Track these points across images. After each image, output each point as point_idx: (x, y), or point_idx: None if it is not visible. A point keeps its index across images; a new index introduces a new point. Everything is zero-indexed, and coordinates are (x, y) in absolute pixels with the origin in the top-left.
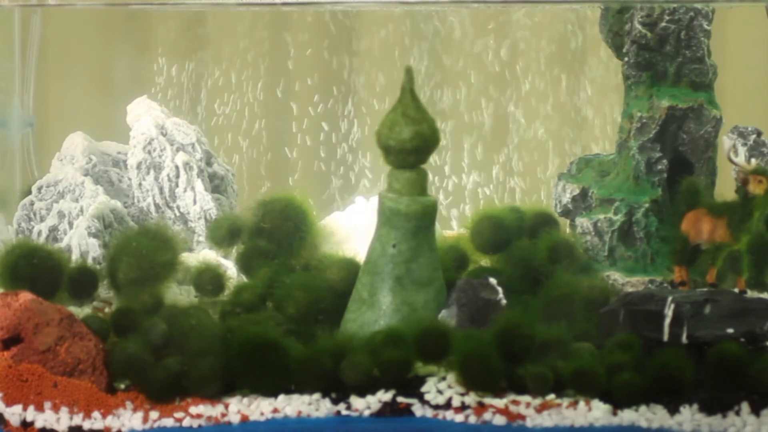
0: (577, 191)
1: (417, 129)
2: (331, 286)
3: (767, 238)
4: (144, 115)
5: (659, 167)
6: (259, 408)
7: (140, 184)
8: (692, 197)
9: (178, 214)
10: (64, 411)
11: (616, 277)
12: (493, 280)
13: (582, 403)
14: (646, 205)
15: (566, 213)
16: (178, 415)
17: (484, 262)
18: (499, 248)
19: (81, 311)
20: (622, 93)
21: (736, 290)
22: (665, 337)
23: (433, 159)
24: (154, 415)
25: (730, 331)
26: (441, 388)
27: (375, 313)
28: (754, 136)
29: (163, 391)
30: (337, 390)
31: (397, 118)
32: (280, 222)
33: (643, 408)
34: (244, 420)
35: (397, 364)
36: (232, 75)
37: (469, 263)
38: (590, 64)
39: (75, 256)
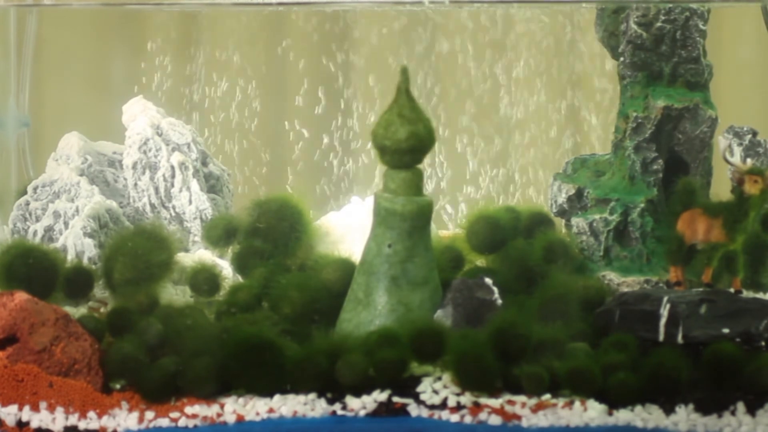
0: (572, 191)
1: (413, 129)
2: (327, 286)
3: (763, 239)
4: (140, 115)
5: (655, 167)
6: (255, 408)
7: (136, 184)
8: (688, 197)
9: (173, 214)
10: (59, 411)
11: (611, 277)
12: (488, 280)
13: (577, 403)
14: (642, 205)
15: (562, 213)
16: (174, 415)
17: (480, 262)
18: (495, 248)
19: (76, 311)
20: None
21: (732, 290)
22: (661, 337)
23: None
24: (149, 415)
25: (726, 331)
26: (436, 388)
27: (370, 313)
28: (749, 136)
29: (158, 391)
30: (333, 390)
31: (392, 118)
32: (275, 222)
33: (638, 408)
34: (240, 420)
35: (393, 364)
36: (228, 74)
37: (464, 263)
38: None
39: (70, 256)
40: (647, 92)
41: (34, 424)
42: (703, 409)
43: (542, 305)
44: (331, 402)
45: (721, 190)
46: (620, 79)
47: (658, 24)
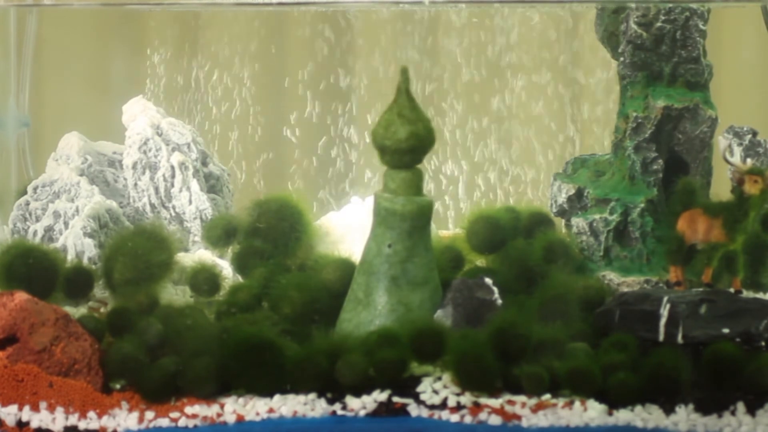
0: (572, 191)
1: (413, 129)
2: (327, 286)
3: (763, 239)
4: (140, 115)
5: (655, 167)
6: (255, 408)
7: (136, 184)
8: (688, 197)
9: (173, 214)
10: (59, 411)
11: (611, 277)
12: (488, 280)
13: (577, 403)
14: (642, 205)
15: (562, 213)
16: (174, 415)
17: (480, 262)
18: (495, 248)
19: (76, 311)
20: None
21: (732, 290)
22: (661, 337)
23: None
24: (149, 415)
25: (726, 331)
26: (436, 388)
27: (370, 313)
28: (749, 136)
29: (158, 391)
30: (333, 390)
31: (392, 118)
32: (275, 222)
33: (638, 408)
34: (240, 420)
35: (393, 364)
36: (228, 74)
37: (464, 263)
38: None
39: (70, 256)
40: (647, 92)
41: (34, 424)
42: (703, 409)
43: (542, 305)
44: (331, 402)
45: (721, 190)
46: (620, 79)
47: (658, 24)
